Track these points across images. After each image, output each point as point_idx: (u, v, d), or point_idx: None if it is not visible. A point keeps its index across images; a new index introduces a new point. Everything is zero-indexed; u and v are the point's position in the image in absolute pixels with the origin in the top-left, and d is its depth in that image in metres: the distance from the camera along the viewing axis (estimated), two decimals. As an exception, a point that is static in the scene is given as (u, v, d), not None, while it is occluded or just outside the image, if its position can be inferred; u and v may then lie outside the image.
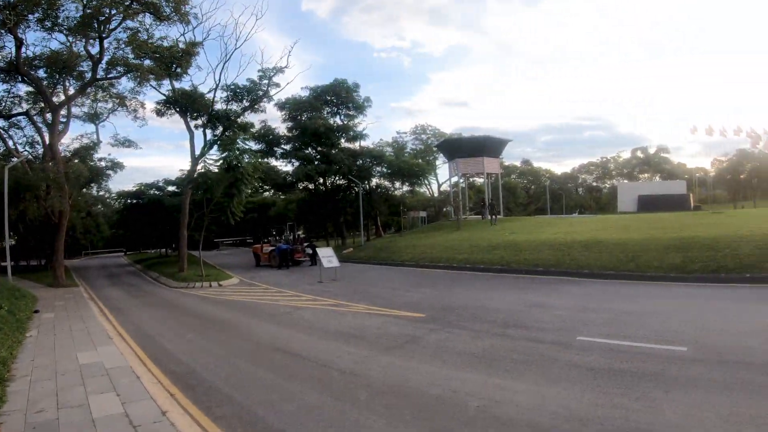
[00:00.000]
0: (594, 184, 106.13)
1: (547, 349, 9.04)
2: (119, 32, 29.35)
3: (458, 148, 47.28)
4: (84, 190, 47.61)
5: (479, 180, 61.57)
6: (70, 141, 43.01)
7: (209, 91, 36.78)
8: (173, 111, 38.20)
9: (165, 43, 31.44)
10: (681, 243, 18.69)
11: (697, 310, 11.80)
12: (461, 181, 53.30)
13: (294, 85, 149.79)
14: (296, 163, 51.82)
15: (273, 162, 53.88)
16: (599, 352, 8.65)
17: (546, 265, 20.49)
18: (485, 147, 44.86)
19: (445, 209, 56.03)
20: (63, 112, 33.58)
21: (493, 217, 39.07)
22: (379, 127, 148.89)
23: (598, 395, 6.67)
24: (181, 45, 32.52)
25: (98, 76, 30.81)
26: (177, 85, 36.88)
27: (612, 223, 28.82)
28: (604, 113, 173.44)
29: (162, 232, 50.98)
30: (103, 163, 46.16)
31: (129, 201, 52.29)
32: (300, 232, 44.42)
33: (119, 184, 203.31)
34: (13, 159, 30.81)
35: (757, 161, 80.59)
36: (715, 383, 6.82)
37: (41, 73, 31.47)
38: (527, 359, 8.52)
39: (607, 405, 6.32)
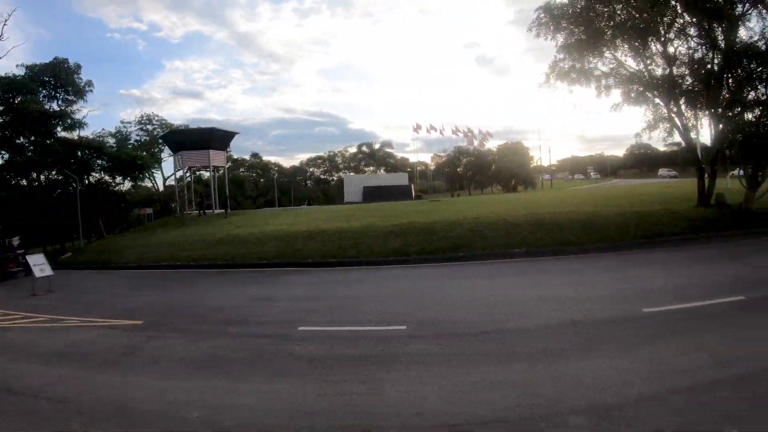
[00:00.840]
0: (322, 176, 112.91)
1: (270, 344, 8.82)
2: None
3: (184, 140, 45.24)
4: None
5: (207, 174, 60.05)
6: None
7: None
8: None
9: None
10: (400, 229, 20.30)
11: (416, 289, 12.74)
12: (187, 174, 51.14)
13: (10, 60, 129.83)
14: (6, 155, 44.21)
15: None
16: (321, 340, 8.70)
17: (270, 257, 20.41)
18: (211, 139, 43.61)
19: (172, 205, 53.36)
20: None
21: (224, 210, 38.81)
22: (106, 116, 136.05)
23: (322, 385, 6.62)
24: None
25: None
26: None
27: (336, 213, 30.26)
28: (335, 110, 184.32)
29: None
30: None
31: None
32: (16, 238, 37.93)
33: None
34: None
35: (472, 156, 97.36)
36: (434, 356, 7.26)
37: None
38: (250, 357, 8.23)
39: (332, 393, 6.30)
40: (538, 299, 10.34)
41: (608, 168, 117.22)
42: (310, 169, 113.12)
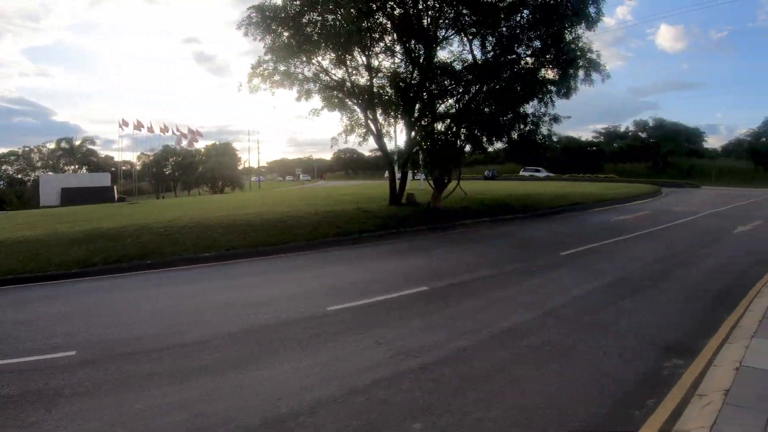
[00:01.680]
0: (17, 176, 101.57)
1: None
2: None
3: None
4: None
5: None
6: None
7: None
8: None
9: None
10: (87, 235, 18.59)
11: (94, 305, 11.59)
12: None
13: None
14: None
15: None
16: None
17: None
18: None
19: None
20: None
21: None
22: None
23: (-29, 440, 5.60)
24: None
25: None
26: None
27: (24, 219, 27.25)
28: (38, 98, 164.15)
29: None
30: None
31: None
32: None
33: None
34: None
35: (179, 156, 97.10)
36: (103, 384, 6.67)
37: None
38: None
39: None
40: (222, 305, 10.27)
41: (316, 170, 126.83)
42: (2, 167, 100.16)
